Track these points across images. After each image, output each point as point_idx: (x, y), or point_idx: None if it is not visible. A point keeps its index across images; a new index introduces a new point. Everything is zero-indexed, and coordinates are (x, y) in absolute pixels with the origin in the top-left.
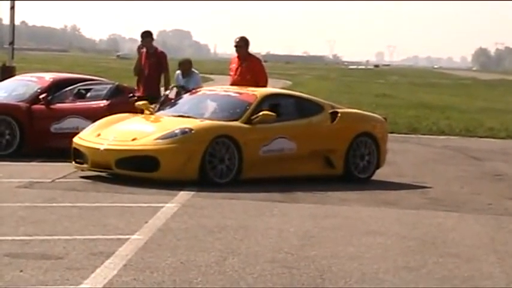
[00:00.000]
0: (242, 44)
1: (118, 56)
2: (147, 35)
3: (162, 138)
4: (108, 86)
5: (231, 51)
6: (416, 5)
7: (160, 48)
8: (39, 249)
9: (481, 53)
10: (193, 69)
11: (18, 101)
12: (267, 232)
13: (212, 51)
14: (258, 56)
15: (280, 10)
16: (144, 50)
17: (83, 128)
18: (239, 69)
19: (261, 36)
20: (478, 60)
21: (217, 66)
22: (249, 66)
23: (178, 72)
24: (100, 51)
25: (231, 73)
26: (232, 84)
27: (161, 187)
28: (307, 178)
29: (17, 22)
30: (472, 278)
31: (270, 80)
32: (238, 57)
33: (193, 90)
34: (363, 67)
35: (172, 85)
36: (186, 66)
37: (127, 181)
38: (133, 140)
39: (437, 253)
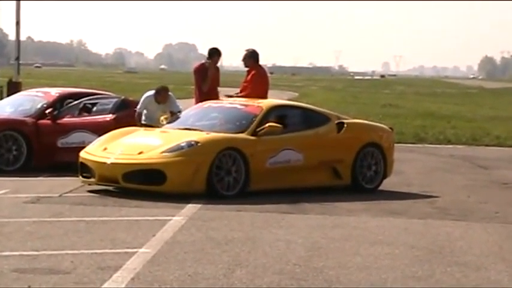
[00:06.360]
0: (245, 56)
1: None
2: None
3: (168, 152)
4: (114, 100)
5: (236, 64)
6: (421, 15)
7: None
8: (47, 264)
9: (487, 62)
10: (169, 93)
11: (25, 116)
12: (274, 244)
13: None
14: (264, 67)
15: (286, 21)
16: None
17: (90, 142)
18: (248, 81)
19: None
20: (484, 69)
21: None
22: (255, 78)
23: (150, 97)
24: (106, 65)
25: (244, 84)
26: (240, 95)
27: (168, 200)
28: (315, 189)
29: (22, 37)
30: (481, 287)
31: (276, 92)
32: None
33: (197, 105)
34: (369, 77)
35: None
36: (165, 95)
37: (134, 195)
38: (140, 153)
39: (445, 262)
